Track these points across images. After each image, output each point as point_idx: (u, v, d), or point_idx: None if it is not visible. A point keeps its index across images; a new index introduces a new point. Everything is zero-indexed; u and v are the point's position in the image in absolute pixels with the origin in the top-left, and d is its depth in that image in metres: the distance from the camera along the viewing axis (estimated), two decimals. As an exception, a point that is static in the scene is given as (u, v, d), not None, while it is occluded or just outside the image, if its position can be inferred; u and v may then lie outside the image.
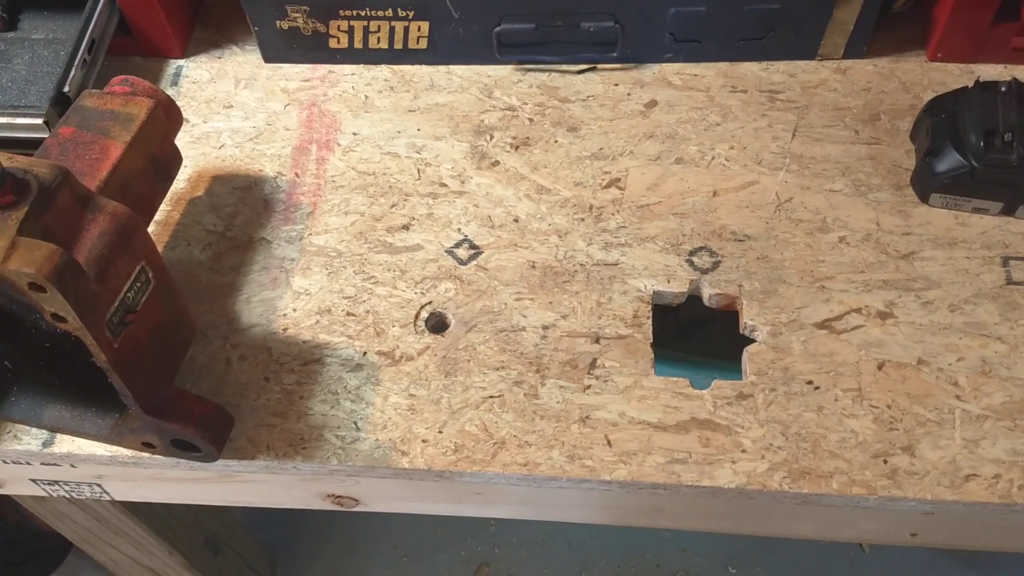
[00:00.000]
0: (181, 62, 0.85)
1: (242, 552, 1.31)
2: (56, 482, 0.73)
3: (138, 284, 0.55)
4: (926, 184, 0.71)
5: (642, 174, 0.75)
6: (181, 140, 0.78)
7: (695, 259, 0.70)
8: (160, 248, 0.73)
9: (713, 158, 0.76)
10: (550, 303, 0.69)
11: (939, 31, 0.77)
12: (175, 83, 0.83)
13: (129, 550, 1.05)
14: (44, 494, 0.74)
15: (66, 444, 0.65)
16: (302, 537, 1.52)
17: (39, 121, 0.71)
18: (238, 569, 1.31)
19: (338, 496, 0.71)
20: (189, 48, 0.85)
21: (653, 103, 0.79)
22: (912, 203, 0.72)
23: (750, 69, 0.81)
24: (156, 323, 0.58)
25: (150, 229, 0.74)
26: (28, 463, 0.68)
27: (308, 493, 0.71)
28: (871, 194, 0.73)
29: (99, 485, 0.73)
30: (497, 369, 0.66)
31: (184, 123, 0.80)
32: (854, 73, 0.80)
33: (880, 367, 0.64)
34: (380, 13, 0.79)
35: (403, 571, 1.49)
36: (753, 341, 0.67)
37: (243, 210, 0.75)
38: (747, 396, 0.64)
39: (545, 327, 0.68)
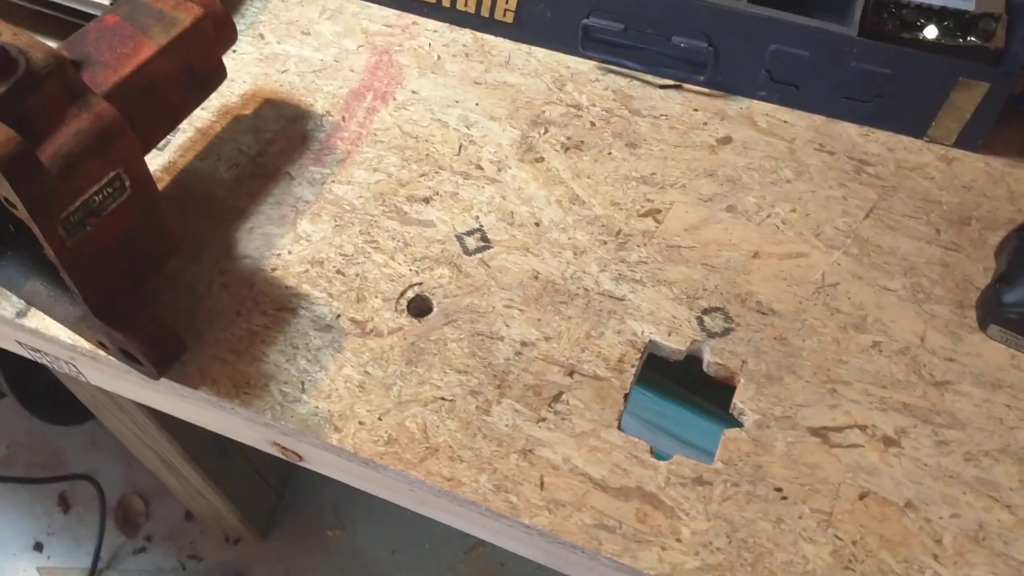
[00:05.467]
0: (277, -24, 0.84)
1: (251, 456, 1.33)
2: (38, 351, 0.74)
3: (108, 190, 0.54)
4: (988, 311, 0.62)
5: (686, 212, 0.69)
6: (248, 56, 0.78)
7: (706, 319, 0.64)
8: (191, 156, 0.73)
9: (768, 215, 0.69)
10: (538, 320, 0.64)
11: (1074, 144, 0.67)
12: (265, -4, 0.83)
13: (132, 427, 1.08)
14: (30, 357, 0.77)
15: (37, 320, 0.66)
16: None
17: (107, 2, 0.71)
18: (244, 473, 1.33)
19: (283, 447, 0.69)
20: (289, -36, 0.84)
21: (727, 140, 0.73)
22: (969, 327, 0.63)
23: (846, 130, 0.73)
24: (125, 232, 0.57)
25: (189, 135, 0.74)
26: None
27: (256, 435, 0.70)
28: (927, 304, 0.64)
29: (74, 365, 0.74)
30: (460, 372, 0.62)
31: (258, 39, 0.80)
32: (960, 166, 0.70)
33: (862, 497, 0.57)
34: (473, -25, 0.75)
35: (398, 554, 1.49)
36: (739, 424, 0.61)
37: (280, 140, 0.74)
38: (705, 482, 0.58)
39: (524, 344, 0.63)
